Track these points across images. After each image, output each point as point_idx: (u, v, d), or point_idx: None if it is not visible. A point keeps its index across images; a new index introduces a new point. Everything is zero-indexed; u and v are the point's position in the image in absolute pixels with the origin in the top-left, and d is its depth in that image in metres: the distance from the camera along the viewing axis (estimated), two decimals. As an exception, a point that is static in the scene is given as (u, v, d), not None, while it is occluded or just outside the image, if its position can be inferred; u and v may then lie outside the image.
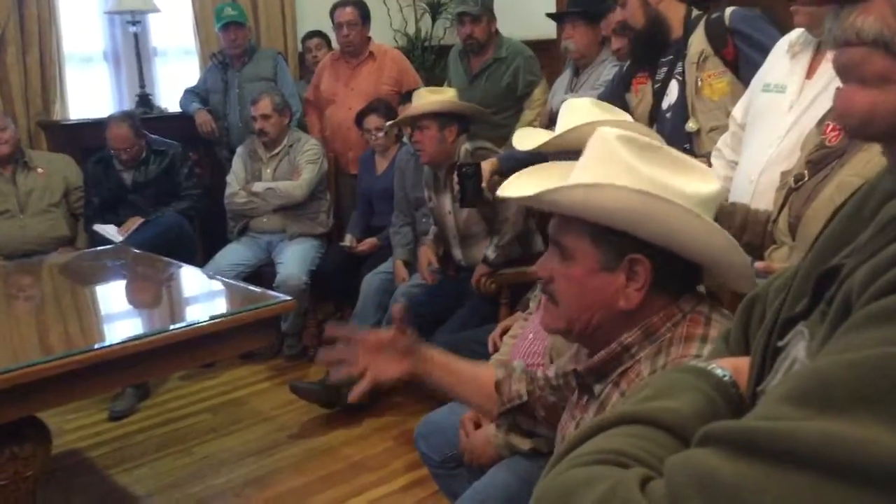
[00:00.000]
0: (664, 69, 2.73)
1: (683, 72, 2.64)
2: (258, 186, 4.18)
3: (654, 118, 2.75)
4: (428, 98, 3.35)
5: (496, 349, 2.54)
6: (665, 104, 2.71)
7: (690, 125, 2.59)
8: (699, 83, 2.58)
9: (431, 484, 2.46)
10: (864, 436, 0.48)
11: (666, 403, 0.71)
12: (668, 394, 0.73)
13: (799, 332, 0.67)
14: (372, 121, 4.01)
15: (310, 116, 4.68)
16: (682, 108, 2.64)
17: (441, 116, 3.30)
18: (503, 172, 3.12)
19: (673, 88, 2.69)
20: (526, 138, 2.05)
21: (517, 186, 1.38)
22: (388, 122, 3.75)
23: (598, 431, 0.69)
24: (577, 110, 1.95)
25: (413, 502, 2.82)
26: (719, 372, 0.77)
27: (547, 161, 1.91)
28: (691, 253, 1.22)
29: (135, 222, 4.05)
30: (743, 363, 0.79)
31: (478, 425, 2.09)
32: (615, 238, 1.22)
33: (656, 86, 2.75)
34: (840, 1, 0.60)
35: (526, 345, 2.09)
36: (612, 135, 1.25)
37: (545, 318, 1.37)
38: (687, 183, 1.22)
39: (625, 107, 2.87)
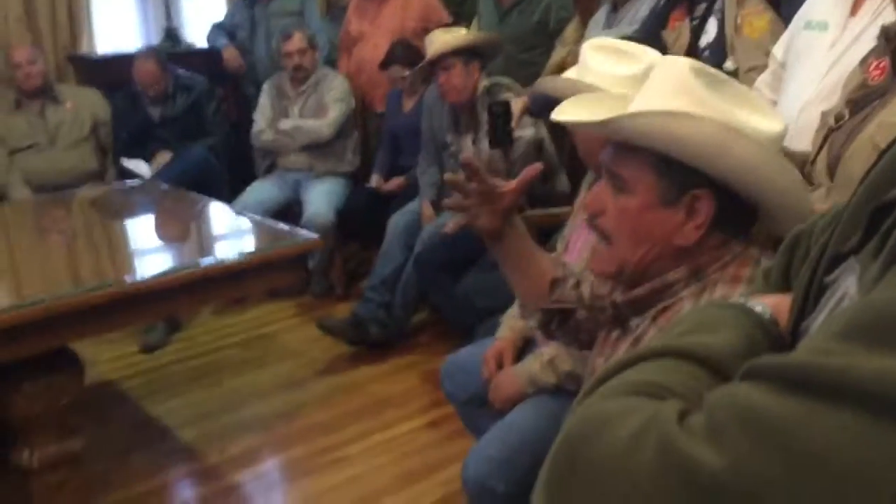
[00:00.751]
0: (703, 5, 2.65)
1: (723, 8, 2.56)
2: (285, 124, 4.16)
3: (692, 56, 2.68)
4: (444, 38, 3.30)
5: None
6: (703, 42, 2.64)
7: (728, 65, 2.52)
8: (739, 21, 2.50)
9: (455, 421, 2.48)
10: None
11: (703, 338, 0.68)
12: (706, 329, 0.70)
13: (849, 267, 0.64)
14: (395, 71, 3.95)
15: (342, 58, 4.61)
16: (720, 47, 2.56)
17: (463, 52, 3.25)
18: (533, 112, 3.08)
19: (711, 26, 2.61)
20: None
21: (575, 111, 1.30)
22: (409, 73, 3.70)
23: (632, 364, 0.67)
24: (599, 52, 1.87)
25: (437, 438, 2.86)
26: (759, 308, 0.74)
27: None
28: (762, 192, 1.17)
29: (164, 157, 4.06)
30: (784, 301, 0.76)
31: (500, 364, 2.10)
32: (681, 171, 1.16)
33: (694, 23, 2.67)
34: None
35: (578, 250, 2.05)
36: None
37: (594, 262, 1.32)
38: (758, 119, 1.18)
39: (661, 45, 2.80)
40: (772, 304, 0.76)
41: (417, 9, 4.38)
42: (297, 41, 4.11)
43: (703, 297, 1.20)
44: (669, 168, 1.17)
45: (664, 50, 2.77)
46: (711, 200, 1.18)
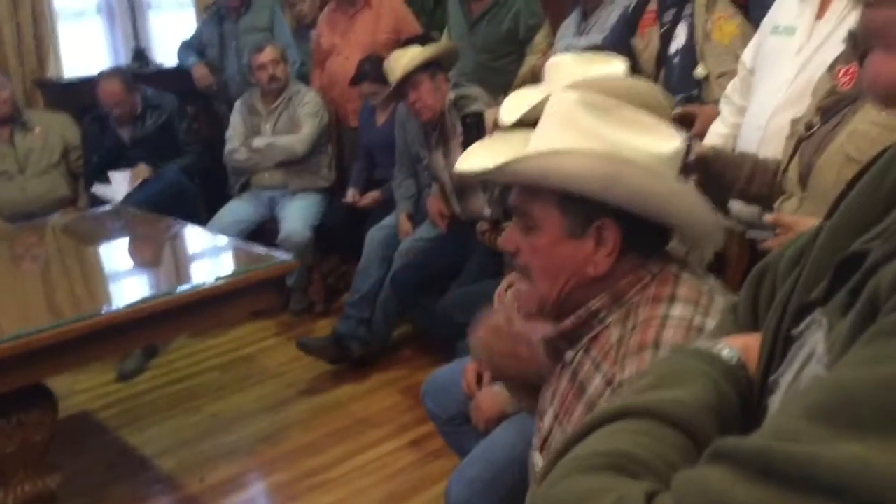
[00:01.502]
0: (672, 11, 2.64)
1: (692, 14, 2.55)
2: (259, 142, 4.12)
3: (662, 63, 2.67)
4: (402, 59, 3.28)
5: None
6: (673, 48, 2.62)
7: (699, 71, 2.51)
8: (708, 26, 2.49)
9: (438, 439, 2.46)
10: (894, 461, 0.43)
11: (671, 394, 0.66)
12: (673, 382, 0.68)
13: (816, 322, 0.62)
14: (365, 88, 3.92)
15: (314, 72, 4.58)
16: (690, 53, 2.55)
17: (427, 67, 3.24)
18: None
19: (681, 31, 2.59)
20: (510, 108, 1.97)
21: (475, 159, 1.32)
22: (380, 96, 3.67)
23: (600, 425, 0.65)
24: (562, 71, 1.87)
25: (421, 457, 2.83)
26: (727, 354, 0.72)
27: None
28: (660, 214, 1.19)
29: (144, 172, 4.01)
30: (753, 342, 0.74)
31: (480, 378, 2.08)
32: (582, 204, 1.19)
33: (663, 29, 2.66)
34: None
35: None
36: (571, 98, 1.21)
37: (519, 300, 1.33)
38: (649, 142, 1.18)
39: (630, 53, 2.79)
40: (740, 347, 0.74)
41: (389, 21, 4.35)
42: (270, 52, 4.08)
43: (629, 320, 1.21)
44: (570, 202, 1.19)
45: (634, 57, 2.76)
46: (616, 227, 1.19)
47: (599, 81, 1.33)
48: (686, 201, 1.18)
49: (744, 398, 0.69)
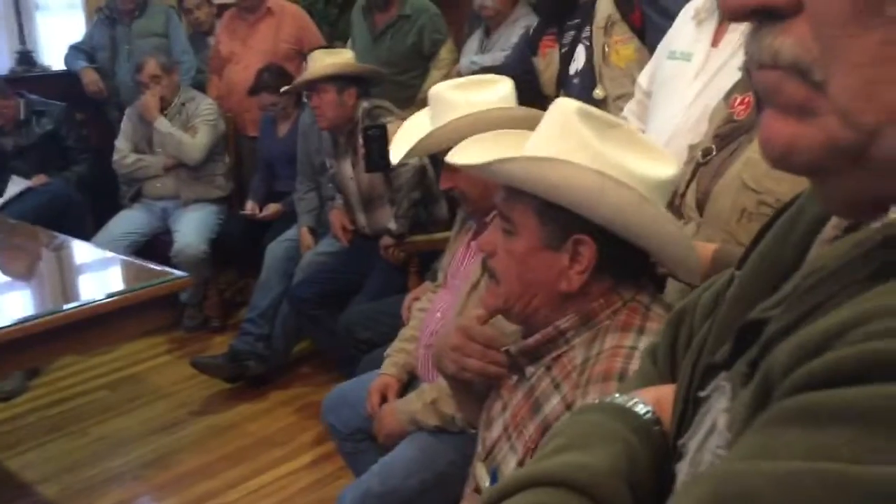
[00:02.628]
0: (571, 33, 2.68)
1: (591, 36, 2.59)
2: (161, 125, 3.94)
3: (562, 84, 2.71)
4: (324, 61, 3.23)
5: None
6: (572, 69, 2.66)
7: (598, 92, 2.56)
8: (606, 49, 2.54)
9: (337, 459, 2.43)
10: None
11: (579, 458, 0.65)
12: (583, 444, 0.67)
13: (720, 388, 0.61)
14: (263, 98, 3.84)
15: (212, 80, 4.44)
16: (589, 74, 2.59)
17: (339, 79, 3.19)
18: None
19: (580, 53, 2.64)
20: (397, 146, 1.97)
21: (467, 153, 1.31)
22: (283, 89, 3.61)
23: (509, 495, 0.63)
24: (445, 102, 1.87)
25: (321, 477, 2.77)
26: (640, 409, 0.71)
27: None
28: (639, 239, 1.19)
29: (41, 179, 3.80)
30: (667, 394, 0.73)
31: (384, 398, 2.05)
32: (563, 216, 1.18)
33: (563, 50, 2.70)
34: (759, 17, 0.52)
35: (434, 323, 2.04)
36: (572, 107, 1.20)
37: (486, 296, 1.33)
38: (644, 165, 1.18)
39: (532, 71, 2.82)
40: (654, 400, 0.73)
41: (291, 30, 4.27)
42: (151, 68, 3.90)
43: (595, 344, 1.20)
44: (551, 213, 1.18)
45: (536, 76, 2.79)
46: (594, 246, 1.18)
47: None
48: (666, 230, 1.18)
49: (657, 454, 0.68)
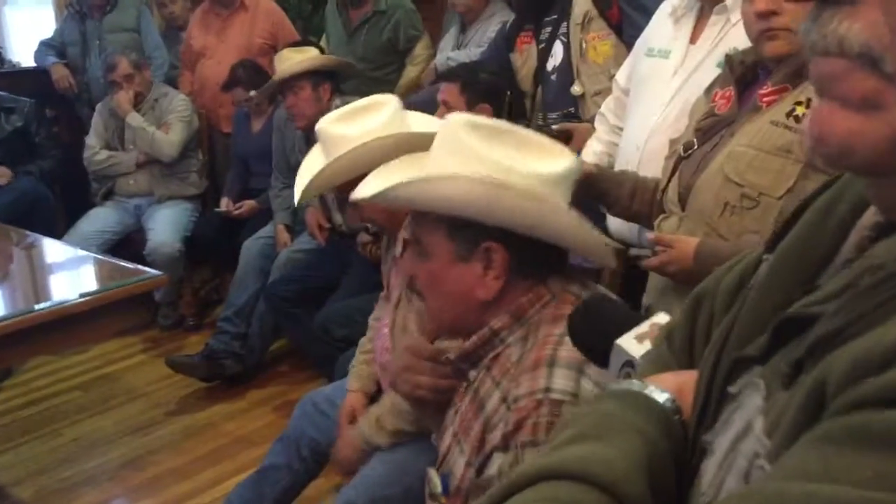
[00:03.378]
0: (548, 29, 2.68)
1: (568, 32, 2.59)
2: (133, 120, 3.88)
3: (539, 80, 2.71)
4: (294, 58, 3.21)
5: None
6: (550, 66, 2.66)
7: (575, 88, 2.56)
8: (584, 45, 2.54)
9: (319, 459, 2.38)
10: None
11: (596, 451, 0.61)
12: (598, 435, 0.63)
13: (752, 384, 0.58)
14: (238, 94, 3.80)
15: (184, 75, 4.39)
16: (567, 71, 2.60)
17: (313, 75, 3.17)
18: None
19: (557, 49, 2.64)
20: (298, 182, 1.94)
21: (368, 184, 1.37)
22: (255, 92, 3.58)
23: (519, 490, 0.59)
24: (332, 136, 1.84)
25: (300, 477, 2.73)
26: (659, 396, 0.68)
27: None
28: (543, 235, 1.21)
29: (3, 174, 3.72)
30: (687, 382, 0.70)
31: (353, 420, 2.02)
32: (468, 227, 1.20)
33: (540, 46, 2.70)
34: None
35: (383, 338, 2.01)
36: (459, 122, 1.22)
37: (425, 318, 1.37)
38: (537, 163, 1.20)
39: (509, 68, 2.81)
40: (675, 388, 0.70)
41: (264, 25, 4.23)
42: (123, 68, 3.84)
43: (529, 340, 1.22)
44: (456, 227, 1.21)
45: (513, 73, 2.78)
46: (503, 250, 1.20)
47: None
48: (564, 222, 1.19)
49: (676, 445, 0.66)
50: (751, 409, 0.57)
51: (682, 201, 1.59)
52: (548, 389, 1.10)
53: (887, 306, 0.47)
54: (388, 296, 2.08)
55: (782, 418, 0.52)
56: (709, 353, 0.69)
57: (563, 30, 2.63)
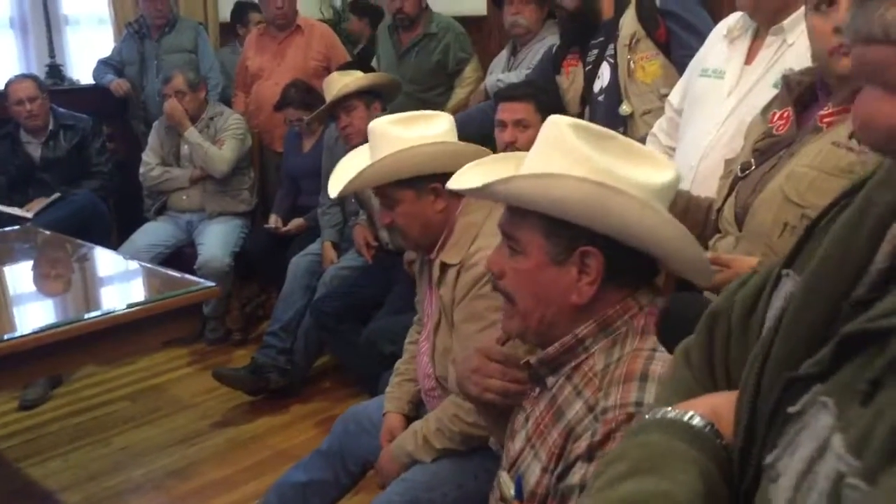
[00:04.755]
0: (595, 51, 2.69)
1: (615, 54, 2.60)
2: (192, 134, 3.98)
3: (586, 101, 2.71)
4: (342, 81, 3.25)
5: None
6: (597, 87, 2.67)
7: (624, 108, 2.56)
8: (632, 66, 2.54)
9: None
10: None
11: (652, 486, 0.60)
12: (651, 468, 0.62)
13: (819, 402, 0.57)
14: (290, 113, 3.87)
15: (238, 96, 4.48)
16: (614, 91, 2.60)
17: (365, 94, 3.22)
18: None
19: (605, 71, 2.65)
20: (336, 180, 1.95)
21: (469, 177, 1.31)
22: (308, 118, 3.64)
23: None
24: (384, 136, 1.85)
25: (343, 492, 2.74)
26: (698, 422, 0.68)
27: (484, 145, 1.87)
28: (645, 245, 1.18)
29: (41, 202, 3.82)
30: (723, 405, 0.69)
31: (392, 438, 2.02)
32: (567, 230, 1.18)
33: (587, 68, 2.71)
34: None
35: (424, 366, 2.01)
36: (565, 122, 1.20)
37: (504, 321, 1.32)
38: (642, 172, 1.18)
39: (556, 89, 2.82)
40: (710, 412, 0.69)
41: (320, 48, 4.31)
42: (177, 83, 3.94)
43: (615, 350, 1.20)
44: (555, 228, 1.19)
45: (560, 94, 2.79)
46: (601, 256, 1.18)
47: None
48: (672, 235, 1.17)
49: (725, 474, 0.65)
50: (821, 429, 0.55)
51: (739, 221, 1.58)
52: (639, 403, 1.09)
53: None
54: (423, 321, 2.09)
55: (872, 436, 0.50)
56: (748, 375, 0.67)
57: (609, 52, 2.64)
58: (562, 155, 1.17)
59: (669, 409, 0.72)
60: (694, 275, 1.26)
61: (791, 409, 0.60)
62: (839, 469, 0.53)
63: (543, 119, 1.26)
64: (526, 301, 1.25)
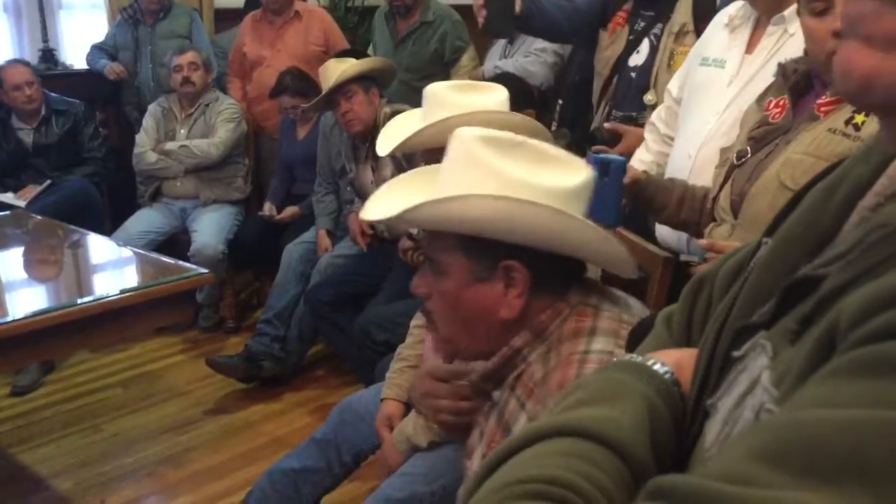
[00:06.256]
0: (643, 23, 2.61)
1: (660, 35, 2.54)
2: (172, 145, 3.96)
3: (618, 69, 2.66)
4: (339, 67, 3.23)
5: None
6: (633, 62, 2.60)
7: (649, 97, 2.51)
8: (673, 55, 2.48)
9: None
10: None
11: (603, 412, 0.64)
12: (605, 398, 0.66)
13: (759, 345, 0.59)
14: (285, 101, 3.85)
15: (233, 82, 4.45)
16: (646, 74, 2.53)
17: (363, 79, 3.20)
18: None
19: (644, 48, 2.58)
20: (386, 139, 1.92)
21: (378, 206, 1.28)
22: (305, 106, 3.62)
23: (529, 444, 0.62)
24: (439, 99, 1.84)
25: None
26: (660, 369, 0.71)
27: None
28: (563, 250, 1.18)
29: (34, 189, 3.80)
30: (686, 358, 0.72)
31: (391, 428, 2.01)
32: (486, 246, 1.16)
33: (631, 36, 2.64)
34: None
35: (429, 352, 1.99)
36: (472, 136, 1.18)
37: (435, 344, 1.32)
38: (554, 177, 1.17)
39: (594, 39, 2.75)
40: (673, 363, 0.72)
41: (318, 34, 4.28)
42: (190, 56, 3.95)
43: (551, 356, 1.19)
44: (474, 246, 1.17)
45: (595, 47, 2.71)
46: (524, 267, 1.17)
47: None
48: (587, 237, 1.16)
49: (676, 417, 0.68)
50: (756, 369, 0.58)
51: (735, 209, 1.57)
52: None
53: (893, 259, 0.49)
54: None
55: (790, 368, 0.53)
56: (710, 328, 0.70)
57: (655, 30, 2.57)
58: (470, 169, 1.15)
59: (636, 355, 0.76)
60: (618, 269, 1.26)
61: (735, 354, 0.63)
62: (762, 401, 0.55)
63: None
64: (451, 323, 1.24)
